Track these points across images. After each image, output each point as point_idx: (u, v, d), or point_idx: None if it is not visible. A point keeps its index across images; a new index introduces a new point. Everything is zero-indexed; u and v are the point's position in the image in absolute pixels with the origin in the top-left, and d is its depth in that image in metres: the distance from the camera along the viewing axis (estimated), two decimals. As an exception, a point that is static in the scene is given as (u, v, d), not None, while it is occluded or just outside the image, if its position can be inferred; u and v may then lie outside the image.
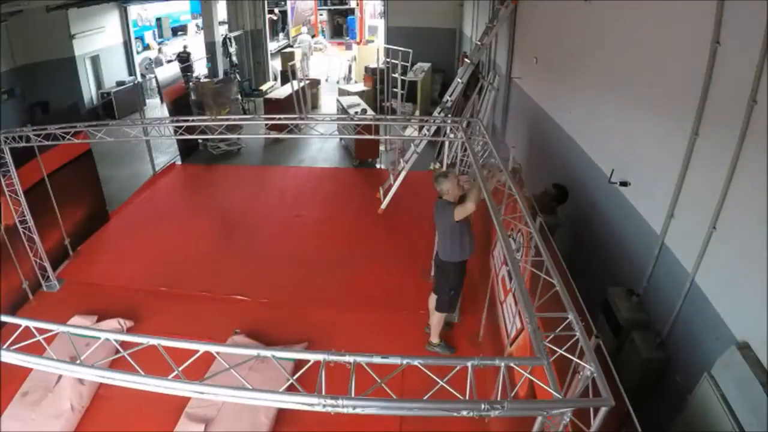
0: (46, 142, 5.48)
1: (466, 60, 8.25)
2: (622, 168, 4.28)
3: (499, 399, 1.97)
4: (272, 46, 17.94)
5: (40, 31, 11.74)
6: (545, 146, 6.41)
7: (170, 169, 10.00)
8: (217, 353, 2.33)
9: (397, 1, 14.73)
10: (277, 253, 6.99)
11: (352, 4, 22.90)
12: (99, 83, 13.69)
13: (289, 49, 17.99)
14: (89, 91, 13.26)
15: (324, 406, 1.99)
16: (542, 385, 2.10)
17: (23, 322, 2.50)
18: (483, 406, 1.92)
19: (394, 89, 10.37)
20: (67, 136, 5.46)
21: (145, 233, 7.56)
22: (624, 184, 4.22)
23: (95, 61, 13.52)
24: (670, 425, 3.15)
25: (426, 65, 13.49)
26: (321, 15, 24.24)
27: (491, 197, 3.56)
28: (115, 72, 14.26)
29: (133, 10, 15.81)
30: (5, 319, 2.58)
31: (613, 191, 4.38)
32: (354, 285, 6.29)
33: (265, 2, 16.76)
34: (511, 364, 2.14)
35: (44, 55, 11.97)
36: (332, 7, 23.85)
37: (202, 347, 2.34)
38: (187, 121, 5.93)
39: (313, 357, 2.23)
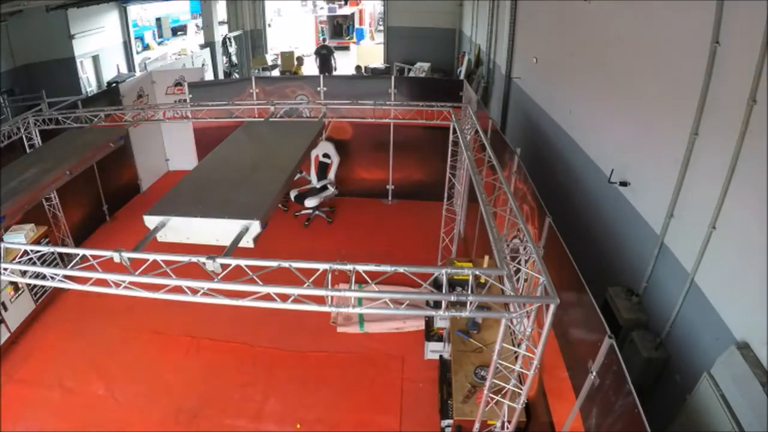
0: (75, 125, 5.57)
1: (465, 59, 8.28)
2: (622, 168, 4.28)
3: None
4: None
5: (39, 31, 11.71)
6: (545, 146, 6.40)
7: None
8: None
9: (397, 1, 14.74)
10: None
11: (352, 10, 22.84)
12: (99, 84, 13.68)
13: (289, 49, 17.98)
14: (89, 91, 13.24)
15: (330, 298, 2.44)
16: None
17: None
18: (453, 297, 2.41)
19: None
20: (95, 120, 5.54)
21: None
22: (624, 184, 4.22)
23: (95, 61, 13.50)
24: (670, 425, 3.15)
25: (426, 65, 13.51)
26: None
27: (483, 190, 3.58)
28: (115, 72, 14.24)
29: (133, 10, 15.80)
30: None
31: (612, 191, 4.38)
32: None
33: (265, 2, 16.77)
34: (477, 272, 2.53)
35: (44, 55, 11.92)
36: (331, 14, 23.64)
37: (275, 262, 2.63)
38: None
39: (321, 266, 2.60)
